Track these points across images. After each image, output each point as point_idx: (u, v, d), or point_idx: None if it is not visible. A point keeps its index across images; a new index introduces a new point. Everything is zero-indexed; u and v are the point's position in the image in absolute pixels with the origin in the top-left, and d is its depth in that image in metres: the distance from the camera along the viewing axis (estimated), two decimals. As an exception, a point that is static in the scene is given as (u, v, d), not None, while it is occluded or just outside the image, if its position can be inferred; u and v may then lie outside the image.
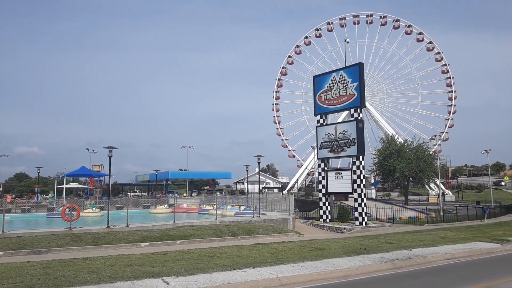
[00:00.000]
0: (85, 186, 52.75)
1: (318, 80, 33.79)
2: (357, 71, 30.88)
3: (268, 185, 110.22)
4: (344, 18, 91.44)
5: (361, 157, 30.09)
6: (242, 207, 33.08)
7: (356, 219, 29.82)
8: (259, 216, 26.26)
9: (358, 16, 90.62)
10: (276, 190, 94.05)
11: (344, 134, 31.04)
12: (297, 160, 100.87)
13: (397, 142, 56.90)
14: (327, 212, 32.08)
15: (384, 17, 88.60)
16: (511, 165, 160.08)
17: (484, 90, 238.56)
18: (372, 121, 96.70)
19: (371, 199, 61.84)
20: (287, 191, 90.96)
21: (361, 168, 29.96)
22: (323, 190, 32.37)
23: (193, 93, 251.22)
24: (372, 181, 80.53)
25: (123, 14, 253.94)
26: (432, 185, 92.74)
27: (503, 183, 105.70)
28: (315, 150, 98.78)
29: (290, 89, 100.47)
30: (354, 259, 16.25)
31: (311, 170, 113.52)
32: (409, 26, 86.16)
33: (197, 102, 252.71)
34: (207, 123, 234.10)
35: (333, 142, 31.74)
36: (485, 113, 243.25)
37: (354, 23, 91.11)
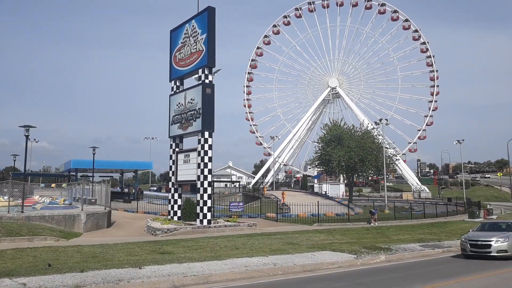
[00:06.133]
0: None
1: (174, 35, 25.99)
2: (206, 18, 23.03)
3: (229, 180, 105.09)
4: (313, 3, 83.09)
5: (206, 133, 22.32)
6: (61, 199, 25.76)
7: (197, 216, 22.10)
8: (22, 212, 18.77)
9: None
10: (237, 185, 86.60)
11: (192, 103, 23.30)
12: (269, 153, 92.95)
13: (344, 128, 48.35)
14: (176, 207, 24.40)
15: (355, -3, 79.80)
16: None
17: (501, 88, 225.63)
18: (349, 110, 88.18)
19: (316, 193, 53.82)
20: (252, 185, 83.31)
21: (207, 148, 22.20)
22: (173, 178, 24.69)
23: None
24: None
25: (133, 11, 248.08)
26: (412, 180, 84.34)
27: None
28: (284, 143, 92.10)
29: (261, 82, 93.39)
30: None
31: (288, 166, 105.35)
32: (383, 4, 77.10)
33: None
34: (219, 119, 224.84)
35: (182, 115, 24.03)
36: (499, 111, 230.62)
37: (323, 7, 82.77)
